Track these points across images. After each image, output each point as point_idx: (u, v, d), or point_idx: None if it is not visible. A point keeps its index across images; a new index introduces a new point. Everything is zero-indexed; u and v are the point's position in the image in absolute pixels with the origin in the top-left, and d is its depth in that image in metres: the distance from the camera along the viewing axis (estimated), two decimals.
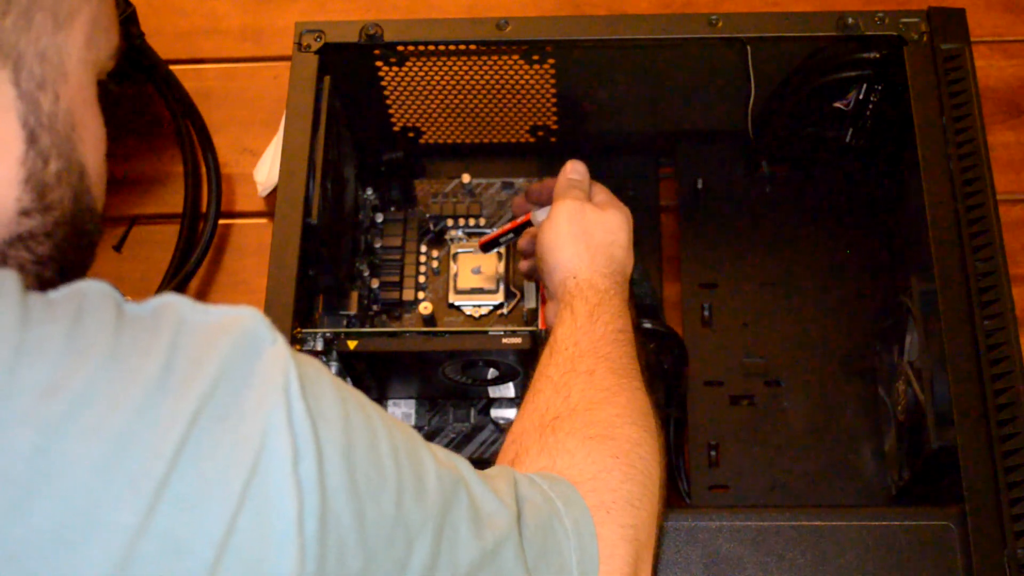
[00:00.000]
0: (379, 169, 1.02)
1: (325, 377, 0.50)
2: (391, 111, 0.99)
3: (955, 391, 0.74)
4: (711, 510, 0.74)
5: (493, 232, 0.92)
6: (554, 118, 0.99)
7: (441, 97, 0.97)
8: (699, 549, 0.72)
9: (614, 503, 0.63)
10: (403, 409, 0.94)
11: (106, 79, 0.54)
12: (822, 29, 0.88)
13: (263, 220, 1.07)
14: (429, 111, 0.98)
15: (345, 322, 0.94)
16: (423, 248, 1.01)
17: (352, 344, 0.83)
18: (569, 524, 0.60)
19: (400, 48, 0.91)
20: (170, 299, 0.48)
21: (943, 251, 0.79)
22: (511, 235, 0.91)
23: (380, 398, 0.94)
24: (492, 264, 0.98)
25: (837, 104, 0.92)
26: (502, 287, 0.98)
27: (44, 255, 0.50)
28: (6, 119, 0.48)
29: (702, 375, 0.94)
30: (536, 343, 0.81)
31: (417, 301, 0.98)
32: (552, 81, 0.95)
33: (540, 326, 0.86)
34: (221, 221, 1.05)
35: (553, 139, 1.02)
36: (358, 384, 0.88)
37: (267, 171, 1.05)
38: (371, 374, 0.89)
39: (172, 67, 1.08)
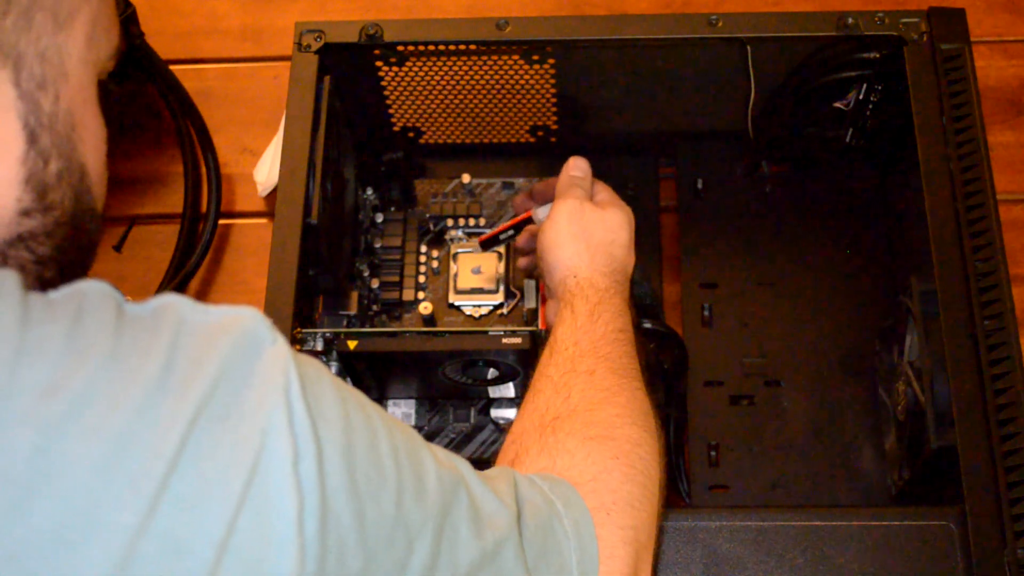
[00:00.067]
0: (379, 169, 1.02)
1: (325, 377, 0.50)
2: (391, 111, 0.99)
3: (955, 391, 0.74)
4: (711, 510, 0.74)
5: (493, 230, 0.92)
6: (554, 118, 0.99)
7: (441, 97, 0.97)
8: (699, 549, 0.72)
9: (614, 504, 0.63)
10: (403, 409, 0.94)
11: (106, 79, 0.54)
12: (822, 29, 0.88)
13: (263, 220, 1.07)
14: (429, 111, 0.98)
15: (345, 322, 0.94)
16: (423, 248, 1.01)
17: (352, 344, 0.83)
18: (569, 525, 0.60)
19: (400, 48, 0.91)
20: (170, 299, 0.47)
21: (943, 251, 0.79)
22: (511, 232, 0.91)
23: (380, 398, 0.94)
24: (492, 264, 0.98)
25: (837, 104, 0.92)
26: (502, 287, 0.98)
27: (44, 255, 0.50)
28: (6, 119, 0.48)
29: (702, 375, 0.94)
30: (536, 343, 0.81)
31: (417, 301, 0.98)
32: (552, 81, 0.94)
33: (540, 326, 0.86)
34: (221, 221, 1.05)
35: (553, 139, 1.02)
36: (358, 384, 0.88)
37: (267, 171, 1.05)
38: (371, 374, 0.88)
39: (172, 67, 1.08)
